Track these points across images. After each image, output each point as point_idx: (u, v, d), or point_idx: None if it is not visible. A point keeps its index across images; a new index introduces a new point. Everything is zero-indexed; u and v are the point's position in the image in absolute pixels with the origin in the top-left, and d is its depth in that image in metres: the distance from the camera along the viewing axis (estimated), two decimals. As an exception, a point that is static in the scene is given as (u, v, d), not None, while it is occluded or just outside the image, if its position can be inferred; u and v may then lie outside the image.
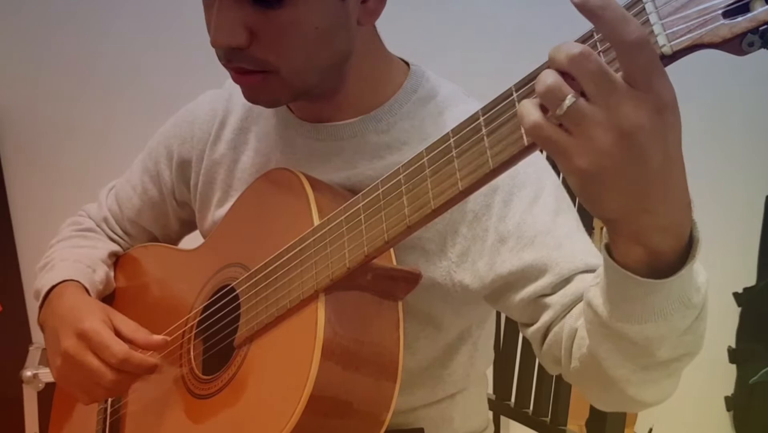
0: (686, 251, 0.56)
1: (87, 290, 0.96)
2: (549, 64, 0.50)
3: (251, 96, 0.82)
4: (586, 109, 0.49)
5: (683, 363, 0.64)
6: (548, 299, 0.77)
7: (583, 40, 0.52)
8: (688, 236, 0.55)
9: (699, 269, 0.59)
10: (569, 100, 0.49)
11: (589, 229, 1.10)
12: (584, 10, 0.47)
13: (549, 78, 0.50)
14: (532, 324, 0.79)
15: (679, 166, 0.51)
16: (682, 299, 0.58)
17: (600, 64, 0.48)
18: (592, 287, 0.64)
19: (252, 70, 0.78)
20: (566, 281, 0.76)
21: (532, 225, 0.79)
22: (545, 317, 0.77)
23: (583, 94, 0.49)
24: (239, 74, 0.79)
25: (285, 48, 0.76)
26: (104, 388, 0.83)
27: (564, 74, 0.49)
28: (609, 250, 0.58)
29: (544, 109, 0.51)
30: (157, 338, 0.85)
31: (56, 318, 0.90)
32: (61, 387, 0.88)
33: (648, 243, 0.54)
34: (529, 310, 0.79)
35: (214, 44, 0.76)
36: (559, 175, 0.88)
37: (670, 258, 0.55)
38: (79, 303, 0.90)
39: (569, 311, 0.75)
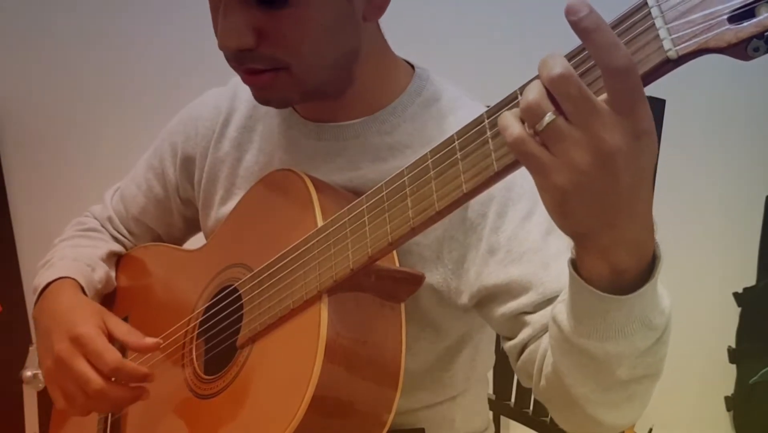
0: (648, 273, 0.57)
1: (83, 289, 0.95)
2: (538, 77, 0.51)
3: (262, 96, 0.82)
4: (565, 128, 0.50)
5: (643, 386, 0.65)
6: (528, 317, 0.78)
7: (573, 56, 0.53)
8: (650, 257, 0.57)
9: (664, 294, 0.61)
10: (548, 117, 0.50)
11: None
12: (577, 28, 0.48)
13: (531, 93, 0.51)
14: (510, 338, 0.80)
15: (647, 187, 0.53)
16: (643, 320, 0.59)
17: (579, 87, 0.49)
18: (558, 303, 0.66)
19: (262, 70, 0.78)
20: (548, 301, 0.77)
21: (523, 241, 0.79)
22: (523, 335, 0.78)
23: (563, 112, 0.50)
24: (250, 75, 0.79)
25: (293, 44, 0.76)
26: (87, 396, 0.82)
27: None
28: (575, 265, 0.59)
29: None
30: (150, 340, 0.84)
31: (50, 318, 0.89)
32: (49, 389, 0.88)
33: (612, 259, 0.56)
34: (509, 325, 0.80)
35: (222, 47, 0.76)
36: None
37: (633, 277, 0.57)
38: (74, 305, 0.89)
39: (546, 331, 0.75)
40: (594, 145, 0.49)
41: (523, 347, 0.78)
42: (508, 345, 0.80)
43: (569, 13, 0.47)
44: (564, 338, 0.64)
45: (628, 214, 0.53)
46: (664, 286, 0.61)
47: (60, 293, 0.93)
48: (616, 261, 0.56)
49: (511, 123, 0.52)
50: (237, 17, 0.74)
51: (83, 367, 0.81)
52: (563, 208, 0.53)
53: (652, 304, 0.59)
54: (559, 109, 0.50)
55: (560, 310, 0.64)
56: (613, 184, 0.50)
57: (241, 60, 0.77)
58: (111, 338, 0.85)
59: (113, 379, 0.82)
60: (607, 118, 0.49)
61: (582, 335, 0.61)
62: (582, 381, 0.65)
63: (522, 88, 0.55)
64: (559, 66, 0.49)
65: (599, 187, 0.50)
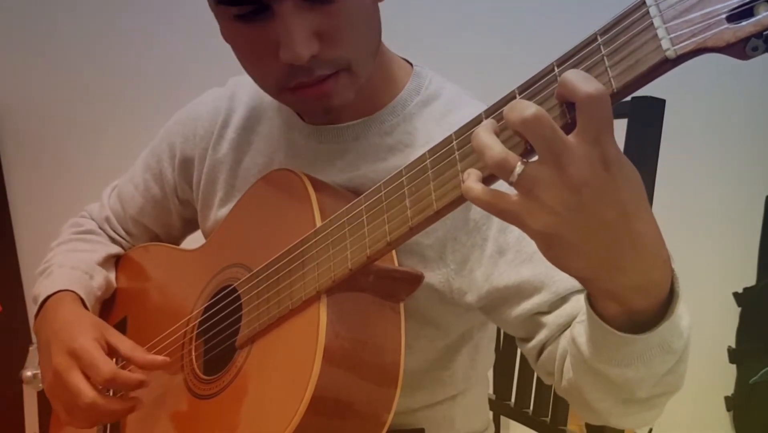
0: (667, 305, 0.57)
1: (83, 300, 0.95)
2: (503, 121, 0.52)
3: (325, 106, 0.79)
4: (536, 172, 0.50)
5: (664, 399, 0.66)
6: (544, 318, 0.77)
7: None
8: (666, 293, 0.56)
9: (683, 312, 0.60)
10: (519, 168, 0.50)
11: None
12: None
13: (494, 149, 0.51)
14: (528, 340, 0.80)
15: (644, 221, 0.52)
16: (662, 346, 0.59)
17: (552, 126, 0.49)
18: (577, 323, 0.66)
19: (327, 75, 0.76)
20: (562, 300, 0.76)
21: (532, 241, 0.79)
22: (540, 336, 0.77)
23: (530, 151, 0.50)
24: (317, 85, 0.77)
25: (352, 38, 0.76)
26: (80, 409, 0.82)
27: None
28: (590, 300, 0.59)
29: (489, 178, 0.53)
30: (154, 358, 0.84)
31: (50, 332, 0.89)
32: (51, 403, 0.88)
33: (624, 301, 0.55)
34: (524, 326, 0.79)
35: (296, 59, 0.72)
36: None
37: (649, 314, 0.56)
38: (73, 319, 0.90)
39: (564, 331, 0.76)
40: (563, 182, 0.49)
41: (542, 348, 0.78)
42: (526, 348, 0.80)
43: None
44: (583, 360, 0.64)
45: (629, 255, 0.52)
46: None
47: (59, 307, 0.93)
48: (629, 303, 0.55)
49: (472, 186, 0.53)
50: (300, 25, 0.72)
51: (76, 379, 0.82)
52: (553, 253, 0.53)
53: (671, 331, 0.58)
54: (524, 152, 0.51)
55: (579, 332, 0.65)
56: (594, 222, 0.50)
57: (310, 71, 0.75)
58: (114, 353, 0.86)
59: (111, 390, 0.82)
60: (574, 152, 0.49)
61: (600, 361, 0.62)
62: (602, 398, 0.66)
63: (520, 88, 0.55)
64: (532, 107, 0.49)
65: (581, 226, 0.50)
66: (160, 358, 0.84)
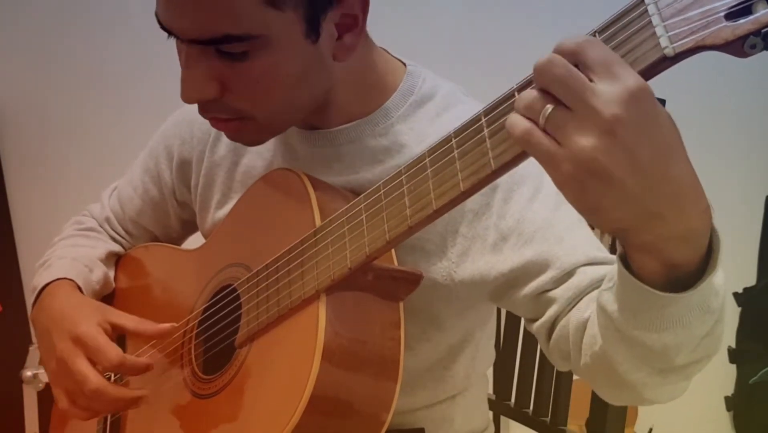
0: (706, 260, 0.54)
1: (81, 290, 0.95)
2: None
3: (233, 138, 0.82)
4: (566, 114, 0.49)
5: (701, 365, 0.63)
6: (552, 294, 0.77)
7: (525, 86, 0.54)
8: (706, 246, 0.54)
9: (718, 270, 0.56)
10: (548, 108, 0.49)
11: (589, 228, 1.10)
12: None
13: (526, 95, 0.51)
14: (537, 319, 0.79)
15: (681, 165, 0.50)
16: (701, 306, 0.56)
17: (566, 66, 0.48)
18: (604, 291, 0.63)
19: (228, 118, 0.77)
20: (569, 274, 0.76)
21: (532, 221, 0.79)
22: (550, 312, 0.77)
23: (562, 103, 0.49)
24: (216, 122, 0.78)
25: (259, 97, 0.75)
26: (86, 396, 0.82)
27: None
28: (624, 260, 0.56)
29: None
30: (163, 326, 0.85)
31: (49, 319, 0.89)
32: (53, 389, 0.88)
33: (662, 255, 0.53)
34: (533, 305, 0.79)
35: (184, 100, 0.74)
36: None
37: (689, 268, 0.54)
38: (74, 304, 0.90)
39: (575, 304, 0.75)
40: (593, 122, 0.47)
41: (552, 325, 0.77)
42: (535, 326, 0.79)
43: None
44: (615, 328, 0.61)
45: (668, 200, 0.49)
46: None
47: (58, 294, 0.93)
48: (668, 256, 0.52)
49: (517, 120, 0.51)
50: (198, 69, 0.72)
51: (82, 366, 0.82)
52: (588, 203, 0.50)
53: (709, 289, 0.55)
54: (557, 103, 0.49)
55: (608, 299, 0.61)
56: (631, 161, 0.47)
57: (206, 109, 0.76)
58: (120, 332, 0.86)
59: (116, 376, 0.82)
60: (598, 90, 0.47)
61: (636, 327, 0.58)
62: (638, 367, 0.63)
63: (519, 86, 0.55)
64: (545, 57, 0.49)
65: (616, 170, 0.47)
66: (167, 325, 0.85)
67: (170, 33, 0.74)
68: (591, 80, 0.48)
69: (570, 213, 0.80)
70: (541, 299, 0.78)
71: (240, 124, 0.78)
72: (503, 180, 0.79)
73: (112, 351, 0.82)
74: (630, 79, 0.47)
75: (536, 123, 0.50)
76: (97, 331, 0.84)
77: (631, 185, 0.48)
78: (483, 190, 0.78)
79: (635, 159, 0.48)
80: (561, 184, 0.50)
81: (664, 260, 0.53)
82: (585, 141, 0.48)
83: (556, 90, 0.49)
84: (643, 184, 0.48)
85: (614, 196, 0.49)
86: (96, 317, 0.86)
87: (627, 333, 0.60)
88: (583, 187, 0.49)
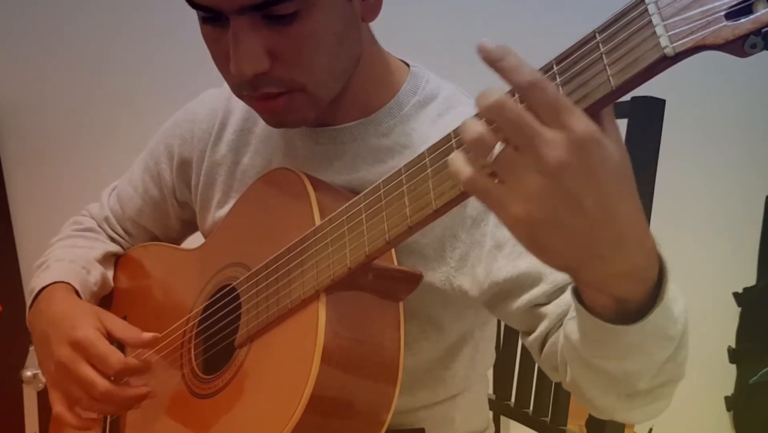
0: (657, 291, 0.55)
1: (78, 293, 0.95)
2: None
3: (276, 120, 0.81)
4: (514, 155, 0.49)
5: (667, 388, 0.65)
6: (543, 309, 0.77)
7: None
8: (654, 279, 0.55)
9: (676, 296, 0.58)
10: (498, 148, 0.49)
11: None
12: (486, 60, 0.49)
13: (475, 128, 0.50)
14: (530, 333, 0.80)
15: (626, 206, 0.50)
16: (658, 333, 0.58)
17: (517, 110, 0.48)
18: (569, 320, 0.65)
19: (278, 93, 0.76)
20: (560, 290, 0.76)
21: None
22: (541, 327, 0.77)
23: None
24: (264, 101, 0.77)
25: (308, 61, 0.75)
26: (93, 399, 0.83)
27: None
28: (577, 293, 0.58)
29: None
30: (147, 335, 0.85)
31: (46, 323, 0.89)
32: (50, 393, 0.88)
33: (610, 291, 0.54)
34: (525, 318, 0.79)
35: (239, 75, 0.74)
36: None
37: (639, 301, 0.55)
38: (70, 308, 0.90)
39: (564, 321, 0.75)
40: (540, 167, 0.48)
41: (544, 340, 0.78)
42: (528, 340, 0.80)
43: (480, 51, 0.49)
44: (579, 357, 0.63)
45: (612, 241, 0.50)
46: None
47: (54, 297, 0.93)
48: (615, 292, 0.54)
49: (460, 166, 0.51)
50: (249, 42, 0.72)
51: (88, 371, 0.82)
52: (536, 243, 0.51)
53: (664, 317, 0.57)
54: (506, 141, 0.50)
55: (572, 329, 0.64)
56: (576, 206, 0.48)
57: (256, 85, 0.75)
58: (109, 336, 0.86)
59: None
60: (547, 136, 0.48)
61: (597, 356, 0.61)
62: (605, 393, 0.65)
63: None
64: (494, 94, 0.48)
65: (562, 212, 0.49)
66: (151, 335, 0.84)
67: (209, 11, 0.73)
68: (542, 122, 0.48)
69: None
70: (533, 313, 0.78)
71: (288, 99, 0.77)
72: None
73: (113, 357, 0.82)
74: (578, 126, 0.47)
75: (479, 159, 0.50)
76: (95, 335, 0.84)
77: (576, 229, 0.49)
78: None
79: (580, 204, 0.48)
80: (509, 225, 0.51)
81: (612, 295, 0.55)
82: (532, 184, 0.48)
83: (506, 130, 0.49)
84: (587, 227, 0.49)
85: (559, 238, 0.50)
86: (93, 320, 0.86)
87: (589, 361, 0.62)
88: (530, 229, 0.50)
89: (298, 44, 0.73)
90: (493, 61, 0.49)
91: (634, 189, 0.51)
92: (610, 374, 0.61)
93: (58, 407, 0.86)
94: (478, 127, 0.50)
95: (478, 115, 0.52)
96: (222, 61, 0.77)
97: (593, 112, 0.51)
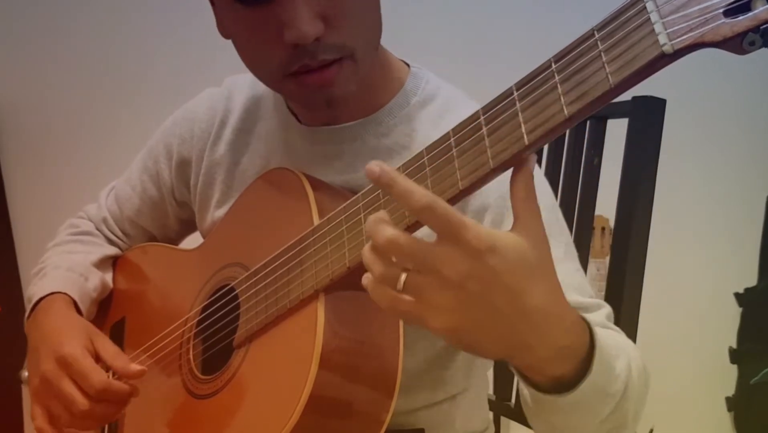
0: (589, 359, 0.59)
1: (77, 303, 0.95)
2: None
3: (326, 95, 0.78)
4: (418, 279, 0.53)
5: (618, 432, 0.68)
6: None
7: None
8: (584, 353, 0.58)
9: (618, 354, 0.63)
10: (403, 277, 0.53)
11: (589, 228, 1.10)
12: (378, 185, 0.53)
13: (376, 266, 0.54)
14: None
15: (537, 294, 0.54)
16: (598, 393, 0.61)
17: (409, 242, 0.52)
18: None
19: (332, 61, 0.76)
20: None
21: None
22: None
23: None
24: (320, 72, 0.76)
25: (356, 25, 0.76)
26: (73, 416, 0.82)
27: None
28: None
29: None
30: (136, 367, 0.84)
31: (39, 335, 0.90)
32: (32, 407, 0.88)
33: (542, 372, 0.58)
34: None
35: (303, 38, 0.72)
36: (557, 196, 0.88)
37: (573, 374, 0.59)
38: (62, 324, 0.89)
39: None
40: (446, 283, 0.51)
41: None
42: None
43: (368, 175, 0.53)
44: (529, 408, 0.67)
45: (533, 333, 0.54)
46: (619, 332, 0.66)
47: (50, 311, 0.93)
48: (548, 373, 0.58)
49: (379, 294, 0.55)
50: (303, 6, 0.72)
51: (69, 388, 0.82)
52: (466, 344, 0.55)
53: (603, 378, 0.60)
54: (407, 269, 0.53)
55: (522, 384, 0.66)
56: (488, 307, 0.52)
57: (314, 54, 0.75)
58: (98, 360, 0.85)
59: (115, 376, 0.82)
60: (443, 255, 0.51)
61: (543, 411, 0.64)
62: None
63: (517, 85, 0.55)
64: (383, 235, 0.52)
65: (478, 315, 0.52)
66: (138, 368, 0.84)
67: None
68: (439, 239, 0.52)
69: (556, 249, 0.80)
70: None
71: (339, 69, 0.76)
72: (495, 202, 0.80)
73: (95, 377, 0.82)
74: (471, 239, 0.51)
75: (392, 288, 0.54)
76: (81, 354, 0.83)
77: (496, 326, 0.54)
78: (475, 210, 0.79)
79: (492, 305, 0.52)
80: (438, 336, 0.54)
81: (545, 375, 0.59)
82: (443, 300, 0.52)
83: (405, 263, 0.53)
84: (506, 323, 0.53)
85: (485, 336, 0.54)
86: (82, 338, 0.86)
87: (538, 414, 0.66)
88: (456, 335, 0.54)
89: (345, 7, 0.74)
90: (384, 187, 0.53)
91: (544, 272, 0.55)
92: (557, 426, 0.65)
93: (39, 421, 0.86)
94: (379, 266, 0.54)
95: (367, 249, 0.55)
96: (262, 46, 0.76)
97: (592, 111, 0.51)
